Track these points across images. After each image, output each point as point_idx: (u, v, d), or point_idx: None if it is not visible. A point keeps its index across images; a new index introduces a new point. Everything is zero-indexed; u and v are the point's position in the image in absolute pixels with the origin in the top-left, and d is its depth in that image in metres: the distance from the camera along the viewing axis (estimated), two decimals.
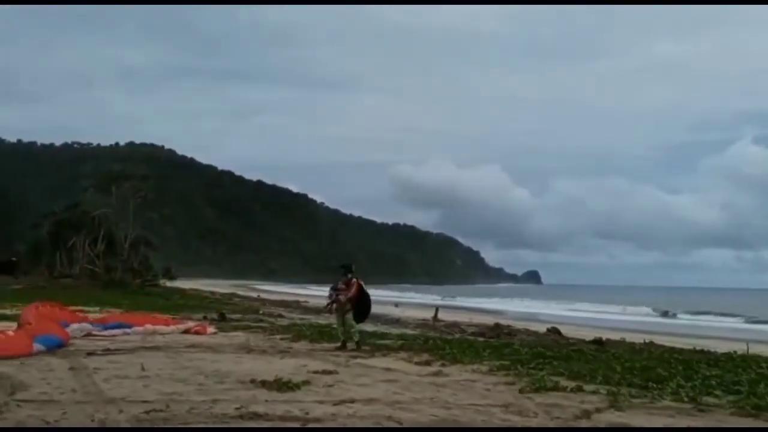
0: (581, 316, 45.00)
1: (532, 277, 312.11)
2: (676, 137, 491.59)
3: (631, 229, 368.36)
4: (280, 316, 24.82)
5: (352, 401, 6.58)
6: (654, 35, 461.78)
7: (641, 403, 6.79)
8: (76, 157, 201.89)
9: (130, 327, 12.95)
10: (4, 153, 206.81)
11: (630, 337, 22.86)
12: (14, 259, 47.16)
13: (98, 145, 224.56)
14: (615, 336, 23.87)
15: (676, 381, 7.93)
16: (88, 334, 12.10)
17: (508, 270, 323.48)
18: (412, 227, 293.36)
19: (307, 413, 6.01)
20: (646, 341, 20.64)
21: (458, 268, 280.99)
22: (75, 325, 12.11)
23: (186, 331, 13.66)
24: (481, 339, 19.96)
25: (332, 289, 12.01)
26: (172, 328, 13.71)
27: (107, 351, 10.07)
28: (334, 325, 14.12)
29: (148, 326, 13.23)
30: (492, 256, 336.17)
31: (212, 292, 49.76)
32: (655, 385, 7.65)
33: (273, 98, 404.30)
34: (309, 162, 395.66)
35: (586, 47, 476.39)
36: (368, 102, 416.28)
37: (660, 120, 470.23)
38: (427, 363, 9.68)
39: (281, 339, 13.14)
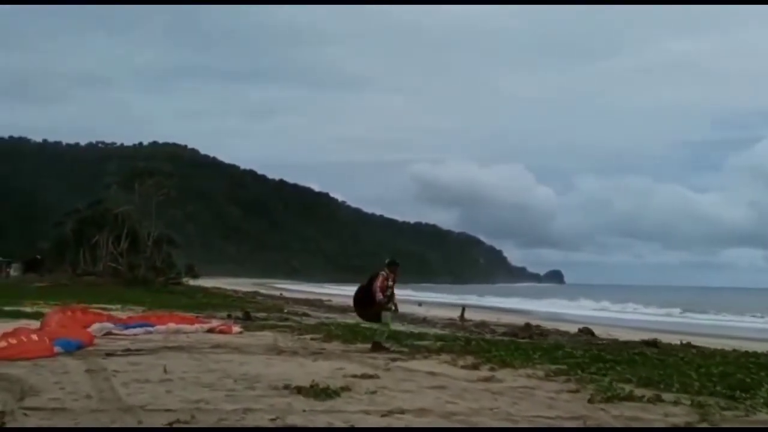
0: (610, 316, 43.77)
1: (555, 276, 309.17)
2: (701, 135, 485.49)
3: (655, 228, 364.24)
4: (306, 314, 24.14)
5: (402, 412, 5.75)
6: (678, 32, 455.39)
7: (735, 416, 5.88)
8: (101, 157, 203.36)
9: (152, 326, 12.24)
10: (31, 153, 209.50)
11: (664, 338, 21.48)
12: (39, 257, 47.15)
13: (122, 144, 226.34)
14: (646, 336, 22.67)
15: (765, 389, 6.99)
16: (108, 333, 11.41)
17: (531, 269, 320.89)
18: (434, 226, 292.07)
19: (352, 425, 5.20)
20: (683, 342, 19.76)
21: (481, 267, 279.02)
22: (96, 325, 11.46)
23: (210, 330, 12.93)
24: (515, 339, 19.39)
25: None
26: (196, 327, 12.99)
27: (128, 351, 9.33)
28: (364, 324, 13.38)
29: (171, 325, 12.52)
30: (514, 256, 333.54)
31: (235, 291, 49.47)
32: (743, 395, 6.72)
33: (294, 98, 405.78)
34: (330, 161, 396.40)
35: (609, 44, 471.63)
36: (390, 101, 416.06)
37: (685, 117, 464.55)
38: (474, 367, 8.89)
39: (311, 339, 12.37)
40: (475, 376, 8.15)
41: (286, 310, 25.98)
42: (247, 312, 19.83)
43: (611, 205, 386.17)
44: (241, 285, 70.56)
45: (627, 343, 17.01)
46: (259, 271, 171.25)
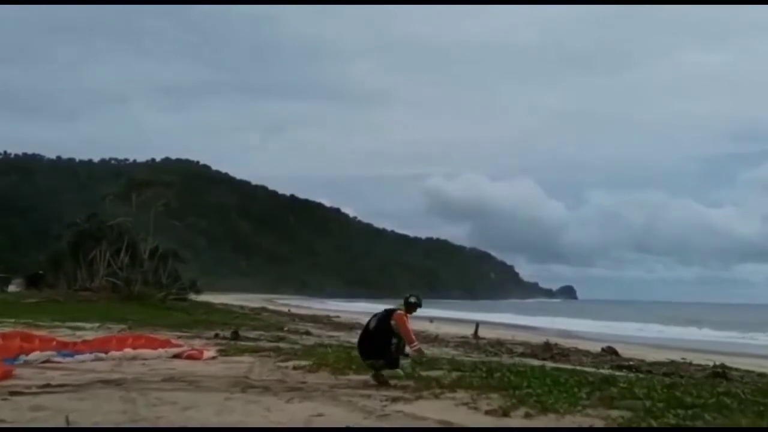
0: (629, 333, 41.43)
1: (568, 292, 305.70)
2: (714, 149, 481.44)
3: (669, 243, 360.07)
4: (307, 333, 22.21)
5: None
6: (691, 45, 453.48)
7: None
8: (114, 173, 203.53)
9: (105, 352, 10.27)
10: (44, 169, 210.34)
11: (694, 358, 20.28)
12: (41, 272, 45.65)
13: (134, 161, 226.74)
14: (675, 356, 21.50)
15: None
16: (47, 361, 9.45)
17: (543, 285, 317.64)
18: (446, 241, 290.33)
19: None
20: (717, 364, 18.00)
21: (492, 282, 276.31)
22: (34, 355, 9.55)
23: (177, 356, 10.96)
24: (545, 365, 17.45)
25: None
26: (159, 351, 10.99)
27: (45, 388, 7.34)
28: None
29: (128, 350, 10.53)
30: (526, 271, 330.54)
31: (242, 307, 47.85)
32: None
33: (305, 113, 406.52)
34: (342, 176, 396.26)
35: (622, 58, 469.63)
36: (401, 115, 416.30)
37: (698, 131, 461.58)
38: (504, 413, 6.77)
39: (294, 369, 10.12)
40: (506, 425, 6.20)
41: (286, 328, 24.06)
42: (236, 331, 17.92)
43: (624, 219, 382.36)
44: (251, 300, 69.01)
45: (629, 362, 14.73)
46: (271, 285, 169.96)
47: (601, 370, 15.53)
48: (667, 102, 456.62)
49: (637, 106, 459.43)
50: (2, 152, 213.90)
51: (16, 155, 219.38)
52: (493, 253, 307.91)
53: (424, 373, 9.24)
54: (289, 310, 49.38)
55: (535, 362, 16.34)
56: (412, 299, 8.90)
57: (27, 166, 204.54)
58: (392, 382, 8.36)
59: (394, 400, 7.37)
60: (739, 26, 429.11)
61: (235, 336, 17.01)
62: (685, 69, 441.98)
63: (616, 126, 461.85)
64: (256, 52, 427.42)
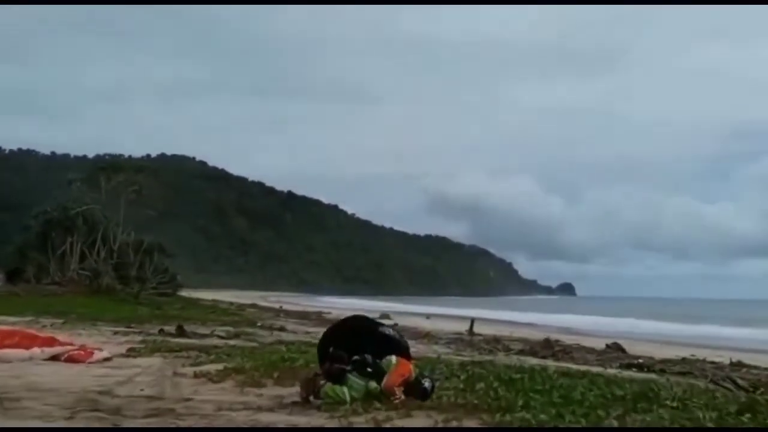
0: (633, 330, 40.54)
1: (567, 289, 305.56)
2: (712, 146, 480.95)
3: (667, 240, 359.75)
4: (281, 329, 21.09)
5: None
6: (688, 43, 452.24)
7: None
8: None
9: None
10: (38, 166, 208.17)
11: (705, 354, 19.17)
12: (19, 267, 44.41)
13: (130, 156, 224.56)
14: (683, 352, 20.23)
15: None
16: None
17: (542, 282, 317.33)
18: (444, 238, 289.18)
19: None
20: (733, 361, 17.16)
21: (491, 279, 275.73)
22: None
23: (56, 357, 9.55)
24: (534, 359, 16.55)
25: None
26: (33, 351, 9.47)
27: None
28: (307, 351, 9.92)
29: None
30: (525, 268, 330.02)
31: (231, 303, 47.03)
32: None
33: (303, 110, 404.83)
34: (339, 173, 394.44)
35: (621, 56, 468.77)
36: (398, 113, 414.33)
37: (696, 129, 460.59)
38: None
39: (196, 376, 8.02)
40: None
41: (259, 324, 23.10)
42: (181, 326, 16.87)
43: (622, 216, 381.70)
44: (245, 297, 68.04)
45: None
46: (268, 282, 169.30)
47: (609, 370, 14.10)
48: (666, 99, 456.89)
49: (635, 103, 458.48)
50: None
51: (10, 151, 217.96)
52: (491, 250, 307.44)
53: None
54: (280, 307, 48.54)
55: (535, 361, 15.44)
56: (427, 383, 6.68)
57: (21, 161, 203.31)
58: (317, 403, 6.28)
59: None
60: (737, 23, 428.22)
61: (181, 331, 16.01)
62: (683, 66, 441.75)
63: (613, 123, 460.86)
64: (253, 49, 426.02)
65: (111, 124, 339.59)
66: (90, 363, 9.44)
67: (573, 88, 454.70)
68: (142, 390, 7.07)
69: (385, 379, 6.47)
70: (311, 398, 6.39)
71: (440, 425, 5.46)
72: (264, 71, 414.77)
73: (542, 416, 5.52)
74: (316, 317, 34.60)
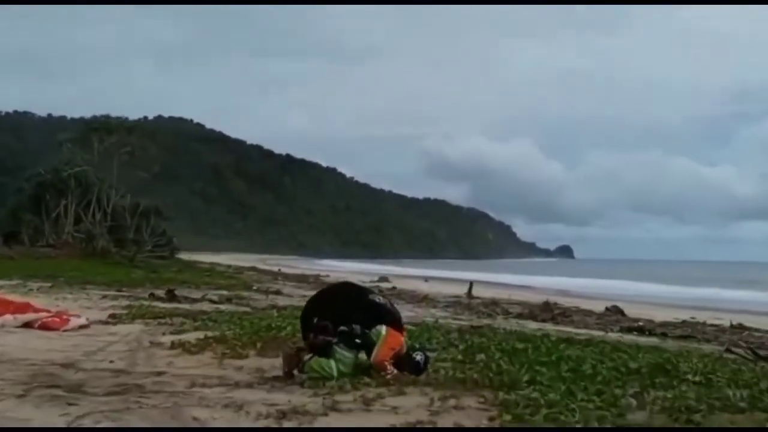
0: (631, 293, 40.17)
1: (565, 251, 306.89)
2: (712, 108, 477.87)
3: (667, 203, 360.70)
4: (278, 293, 20.55)
5: None
6: (689, 4, 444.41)
7: None
8: None
9: None
10: (35, 127, 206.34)
11: (704, 317, 19.00)
12: (15, 230, 43.96)
13: (127, 118, 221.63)
14: (683, 315, 20.09)
15: None
16: None
17: (541, 245, 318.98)
18: (443, 201, 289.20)
19: None
20: (734, 324, 16.89)
21: (490, 242, 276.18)
22: None
23: (29, 324, 8.92)
24: (534, 323, 16.14)
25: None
26: (5, 318, 8.87)
27: None
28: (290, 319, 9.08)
29: None
30: (524, 231, 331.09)
31: (229, 266, 46.57)
32: None
33: (301, 72, 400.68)
34: (337, 136, 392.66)
35: (622, 17, 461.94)
36: (398, 75, 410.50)
37: (696, 91, 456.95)
38: None
39: (173, 347, 7.37)
40: None
41: (255, 287, 22.59)
42: (171, 290, 16.36)
43: (622, 179, 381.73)
44: (245, 261, 67.75)
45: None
46: (267, 246, 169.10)
47: (611, 333, 13.76)
48: (666, 61, 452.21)
49: (636, 66, 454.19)
50: None
51: (6, 113, 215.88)
52: (490, 213, 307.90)
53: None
54: (279, 270, 48.11)
55: (534, 324, 15.19)
56: (419, 357, 6.00)
57: (18, 123, 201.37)
58: (301, 378, 5.62)
59: (284, 415, 4.45)
60: None
61: (171, 296, 15.47)
62: (684, 28, 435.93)
63: (614, 86, 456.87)
64: (250, 9, 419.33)
65: (108, 86, 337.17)
66: (65, 331, 8.87)
67: (574, 50, 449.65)
68: (111, 362, 6.48)
69: (374, 353, 5.89)
70: (295, 372, 5.80)
71: (437, 404, 4.83)
72: (262, 32, 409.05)
73: (551, 395, 4.87)
74: (314, 280, 34.16)
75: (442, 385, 5.46)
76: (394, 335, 6.02)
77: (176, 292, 16.54)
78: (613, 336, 13.39)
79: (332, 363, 5.75)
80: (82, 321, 9.59)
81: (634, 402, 4.73)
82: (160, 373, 5.95)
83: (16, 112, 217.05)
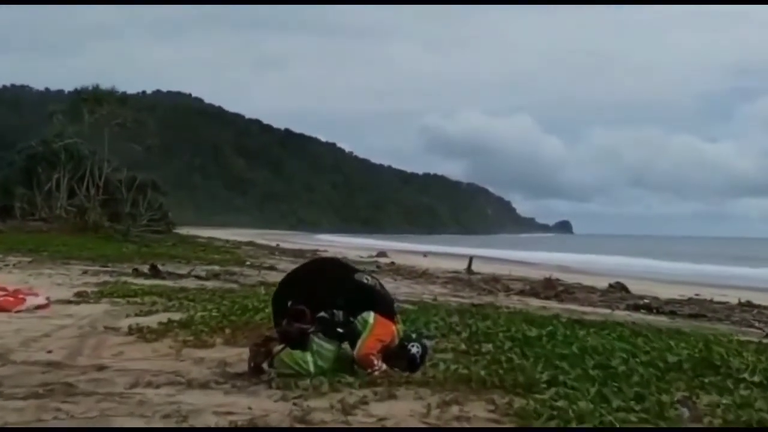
0: (633, 269, 39.38)
1: (564, 227, 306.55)
2: (713, 84, 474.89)
3: (666, 179, 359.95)
4: (270, 268, 19.78)
5: None
6: None
7: None
8: None
9: None
10: (33, 101, 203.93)
11: (709, 293, 18.47)
12: (8, 204, 43.13)
13: (125, 92, 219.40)
14: (687, 291, 19.44)
15: None
16: None
17: (540, 220, 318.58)
18: (443, 177, 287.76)
19: None
20: (742, 301, 16.27)
21: (489, 218, 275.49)
22: None
23: None
24: (536, 301, 15.35)
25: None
26: None
27: None
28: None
29: None
30: (523, 207, 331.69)
31: (227, 241, 45.97)
32: None
33: (301, 47, 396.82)
34: (337, 111, 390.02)
35: None
36: (398, 50, 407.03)
37: (697, 67, 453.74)
38: None
39: (130, 331, 6.49)
40: None
41: (248, 263, 21.77)
42: (154, 265, 15.61)
43: (621, 155, 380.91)
44: (243, 236, 66.91)
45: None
46: (266, 221, 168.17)
47: (617, 312, 13.52)
48: (667, 37, 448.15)
49: (636, 41, 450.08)
50: None
51: (3, 86, 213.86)
52: (490, 188, 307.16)
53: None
54: (277, 245, 47.34)
55: (537, 302, 14.59)
56: (414, 349, 5.00)
57: (15, 96, 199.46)
58: (270, 374, 4.68)
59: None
60: None
61: (155, 271, 14.72)
62: (683, 5, 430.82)
63: (614, 62, 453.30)
64: None
65: (106, 60, 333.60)
66: (18, 311, 7.87)
67: (574, 26, 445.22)
68: (49, 352, 5.49)
69: (358, 346, 4.89)
70: (265, 366, 4.79)
71: (434, 412, 3.84)
72: (261, 6, 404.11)
73: (580, 402, 3.86)
74: (311, 255, 33.31)
75: (441, 384, 4.50)
76: (384, 324, 5.01)
77: (162, 268, 15.84)
78: (620, 314, 12.87)
79: (308, 356, 4.80)
80: (40, 300, 8.63)
81: (686, 412, 3.83)
82: (101, 368, 4.97)
83: (13, 85, 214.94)
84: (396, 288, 16.33)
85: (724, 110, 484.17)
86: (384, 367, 4.85)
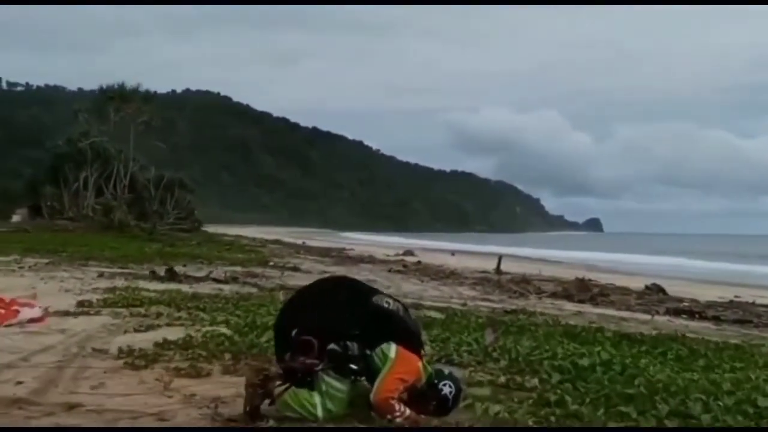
0: (667, 268, 38.03)
1: (594, 225, 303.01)
2: (747, 78, 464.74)
3: (698, 176, 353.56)
4: (294, 269, 19.26)
5: None
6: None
7: None
8: None
9: None
10: (67, 101, 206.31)
11: (749, 295, 17.69)
12: (49, 203, 43.36)
13: (155, 92, 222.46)
14: (725, 292, 18.77)
15: None
16: None
17: (569, 218, 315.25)
18: (471, 174, 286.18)
19: None
20: None
21: (518, 216, 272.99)
22: None
23: None
24: (570, 304, 14.45)
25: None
26: None
27: None
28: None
29: None
30: (552, 204, 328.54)
31: (254, 239, 45.82)
32: None
33: (328, 44, 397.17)
34: (365, 109, 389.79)
35: None
36: (423, 46, 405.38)
37: (731, 60, 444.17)
38: None
39: (119, 356, 5.69)
40: None
41: (271, 263, 21.18)
42: (171, 268, 15.04)
43: (652, 151, 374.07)
44: (270, 234, 66.90)
45: None
46: (293, 219, 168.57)
47: (657, 317, 12.72)
48: (700, 30, 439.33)
49: (668, 35, 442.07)
50: (24, 84, 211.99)
51: (38, 87, 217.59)
52: (518, 186, 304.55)
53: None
54: (303, 243, 47.16)
55: (571, 305, 13.87)
56: (447, 389, 4.13)
57: (48, 97, 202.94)
58: (268, 420, 3.93)
59: None
60: None
61: (171, 275, 14.16)
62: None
63: (644, 56, 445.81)
64: None
65: (136, 60, 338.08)
66: (7, 325, 7.17)
67: (603, 20, 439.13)
68: (19, 383, 4.70)
69: (375, 387, 4.00)
70: (268, 403, 3.98)
71: None
72: (286, 4, 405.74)
73: None
74: (337, 254, 32.91)
75: None
76: (408, 359, 4.13)
77: (182, 269, 15.49)
78: (660, 320, 12.21)
79: (316, 398, 4.01)
80: (35, 313, 7.95)
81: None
82: (72, 407, 4.17)
83: (47, 86, 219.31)
84: (423, 290, 15.65)
85: (760, 105, 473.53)
86: (408, 412, 3.99)
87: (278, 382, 3.99)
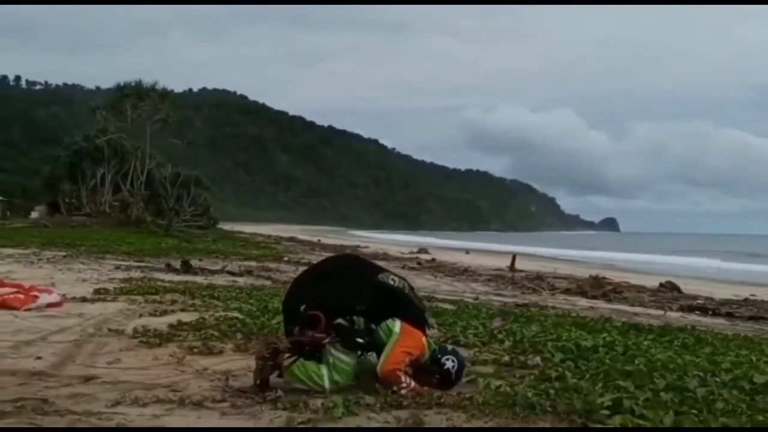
0: (683, 268, 37.79)
1: (610, 224, 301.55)
2: (763, 78, 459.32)
3: (715, 175, 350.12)
4: (308, 265, 19.25)
5: None
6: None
7: None
8: None
9: None
10: (84, 99, 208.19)
11: (764, 293, 17.42)
12: (69, 199, 43.92)
13: (172, 90, 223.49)
14: (740, 291, 18.48)
15: None
16: None
17: (585, 217, 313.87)
18: (486, 173, 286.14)
19: None
20: None
21: (533, 214, 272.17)
22: None
23: None
24: (584, 300, 14.49)
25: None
26: None
27: None
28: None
29: None
30: (567, 203, 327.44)
31: (269, 236, 46.19)
32: None
33: (343, 43, 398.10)
34: (380, 107, 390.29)
35: None
36: (438, 45, 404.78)
37: (749, 59, 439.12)
38: None
39: (134, 335, 5.81)
40: None
41: (286, 258, 21.30)
42: (186, 261, 15.25)
43: (668, 150, 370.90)
44: (285, 231, 67.40)
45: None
46: (309, 217, 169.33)
47: (671, 313, 12.75)
48: (716, 28, 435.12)
49: (684, 33, 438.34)
50: (43, 83, 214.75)
51: (57, 86, 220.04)
52: (534, 185, 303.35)
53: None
54: (318, 241, 47.42)
55: (584, 301, 13.89)
56: (450, 363, 4.27)
57: (67, 96, 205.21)
58: (277, 391, 3.97)
59: None
60: None
61: (186, 267, 14.33)
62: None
63: (660, 54, 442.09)
64: None
65: (154, 59, 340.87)
66: (27, 309, 7.39)
67: (618, 18, 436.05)
68: (39, 358, 4.90)
69: (381, 359, 4.13)
70: (276, 375, 4.13)
71: None
72: (300, 5, 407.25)
73: None
74: (351, 251, 32.87)
75: (479, 408, 3.70)
76: (412, 334, 4.26)
77: (198, 263, 15.65)
78: (673, 315, 12.21)
79: (323, 370, 4.13)
80: (53, 298, 8.11)
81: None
82: (89, 379, 4.33)
83: (65, 84, 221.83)
84: (436, 285, 15.71)
85: None
86: (413, 384, 4.08)
87: (287, 355, 4.15)
